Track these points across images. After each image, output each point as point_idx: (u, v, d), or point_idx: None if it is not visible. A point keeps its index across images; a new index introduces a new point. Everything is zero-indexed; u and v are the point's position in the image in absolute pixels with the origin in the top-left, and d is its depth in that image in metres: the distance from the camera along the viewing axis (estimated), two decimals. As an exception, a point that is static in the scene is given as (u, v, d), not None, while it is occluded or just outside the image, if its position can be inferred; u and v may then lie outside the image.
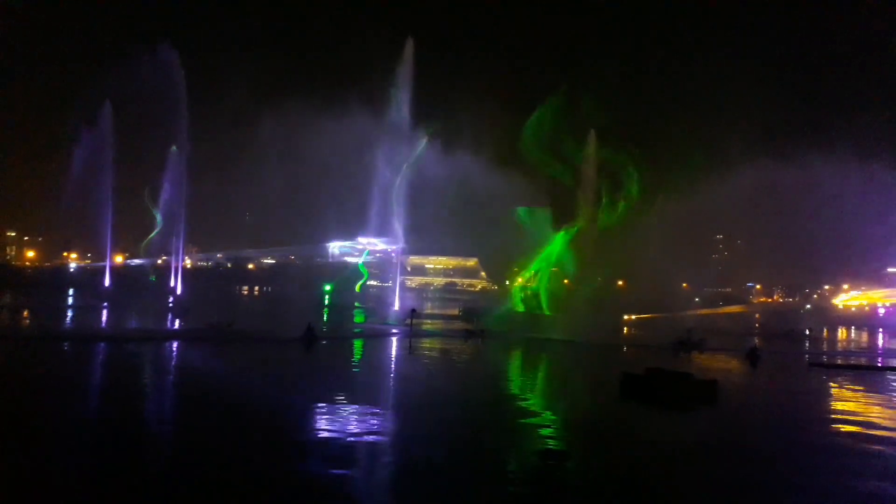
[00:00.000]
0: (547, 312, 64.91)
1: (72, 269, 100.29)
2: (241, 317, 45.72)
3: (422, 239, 76.80)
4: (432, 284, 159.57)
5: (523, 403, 25.04)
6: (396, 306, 62.18)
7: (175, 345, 38.12)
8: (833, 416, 25.15)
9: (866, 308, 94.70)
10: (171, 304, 58.76)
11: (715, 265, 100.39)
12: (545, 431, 19.95)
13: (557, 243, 66.59)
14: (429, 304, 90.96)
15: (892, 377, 36.92)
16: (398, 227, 62.46)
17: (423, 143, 61.68)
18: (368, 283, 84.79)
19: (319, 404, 21.55)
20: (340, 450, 16.40)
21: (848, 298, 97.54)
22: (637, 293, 71.98)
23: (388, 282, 79.61)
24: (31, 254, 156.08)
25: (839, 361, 45.61)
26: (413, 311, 53.13)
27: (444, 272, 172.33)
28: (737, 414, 24.24)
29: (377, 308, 65.15)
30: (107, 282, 71.80)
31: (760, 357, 40.26)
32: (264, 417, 19.72)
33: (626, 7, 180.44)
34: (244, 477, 14.12)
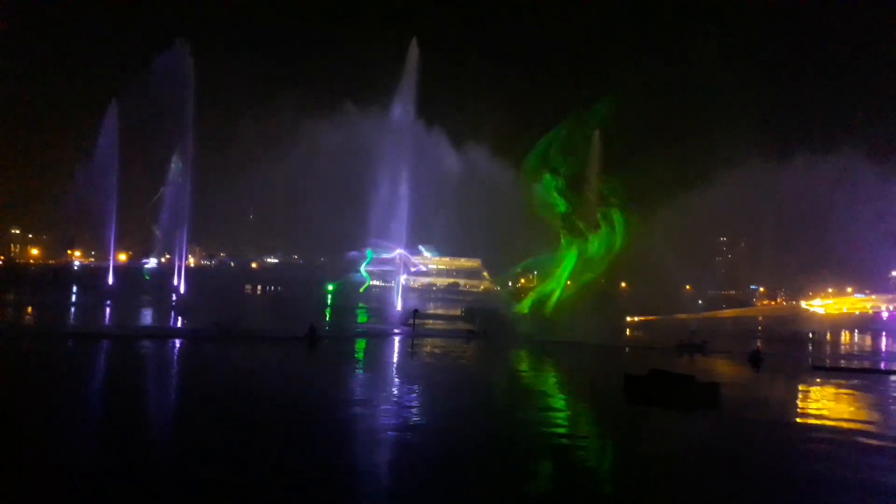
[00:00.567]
0: (549, 314, 64.95)
1: (75, 267, 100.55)
2: (244, 316, 45.76)
3: (426, 240, 76.83)
4: (435, 285, 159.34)
5: (525, 404, 25.04)
6: (399, 307, 62.18)
7: (178, 343, 38.23)
8: (833, 421, 25.08)
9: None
10: (174, 303, 58.85)
11: (718, 267, 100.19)
12: (548, 431, 19.97)
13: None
14: (431, 305, 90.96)
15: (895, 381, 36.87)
16: (402, 228, 62.41)
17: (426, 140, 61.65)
18: (372, 283, 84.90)
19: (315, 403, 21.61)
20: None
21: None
22: (640, 295, 71.95)
23: (391, 282, 79.59)
24: (35, 251, 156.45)
25: (842, 364, 45.54)
26: (415, 311, 53.12)
27: (448, 273, 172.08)
28: (738, 417, 24.19)
29: (380, 308, 65.14)
30: (110, 280, 71.95)
31: (763, 360, 40.19)
32: (267, 413, 19.81)
33: (629, 10, 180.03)
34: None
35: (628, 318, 65.63)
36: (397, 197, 61.25)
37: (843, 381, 35.11)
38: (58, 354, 31.41)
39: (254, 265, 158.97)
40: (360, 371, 32.99)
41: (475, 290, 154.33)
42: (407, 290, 73.19)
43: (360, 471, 15.32)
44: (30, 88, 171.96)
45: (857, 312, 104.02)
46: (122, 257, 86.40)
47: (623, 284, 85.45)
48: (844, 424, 23.72)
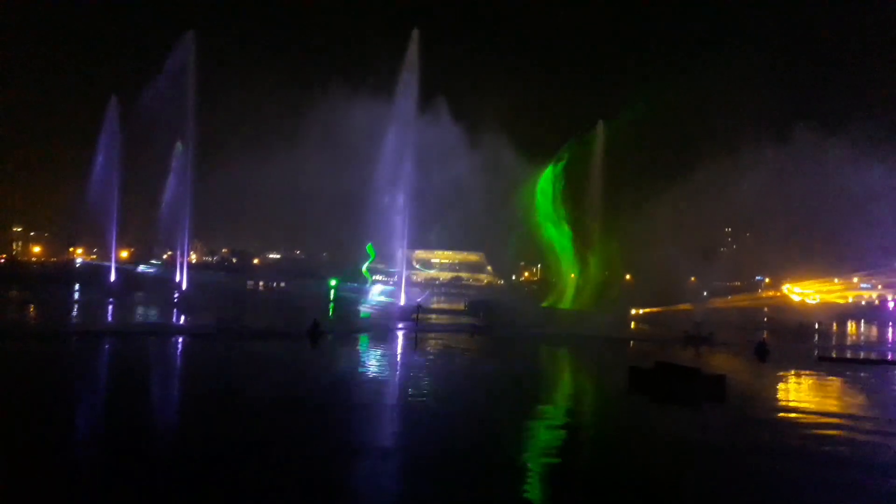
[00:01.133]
0: (548, 305, 65.00)
1: (77, 265, 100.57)
2: (246, 312, 45.75)
3: (427, 233, 76.45)
4: (438, 279, 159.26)
5: (530, 397, 24.80)
6: (402, 301, 61.94)
7: (180, 340, 38.13)
8: (841, 412, 24.82)
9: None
10: (175, 300, 58.71)
11: (723, 258, 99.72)
12: (552, 424, 19.75)
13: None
14: (435, 299, 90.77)
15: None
16: (403, 220, 62.03)
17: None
18: (374, 278, 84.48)
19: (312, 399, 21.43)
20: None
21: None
22: (644, 287, 71.65)
23: (393, 277, 79.26)
24: (37, 249, 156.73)
25: (848, 355, 45.24)
26: (419, 305, 52.97)
27: (450, 266, 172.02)
28: (744, 409, 23.92)
29: (383, 302, 64.93)
30: (112, 277, 71.89)
31: (769, 351, 39.92)
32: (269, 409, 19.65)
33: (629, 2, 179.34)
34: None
35: (633, 311, 65.32)
36: (399, 191, 60.94)
37: (850, 373, 34.88)
38: (60, 353, 31.31)
39: (256, 261, 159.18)
40: (361, 367, 32.70)
41: (478, 283, 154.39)
42: (410, 284, 72.83)
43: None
44: (31, 86, 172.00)
45: (849, 300, 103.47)
46: (124, 254, 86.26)
47: (627, 277, 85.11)
48: (849, 418, 23.45)
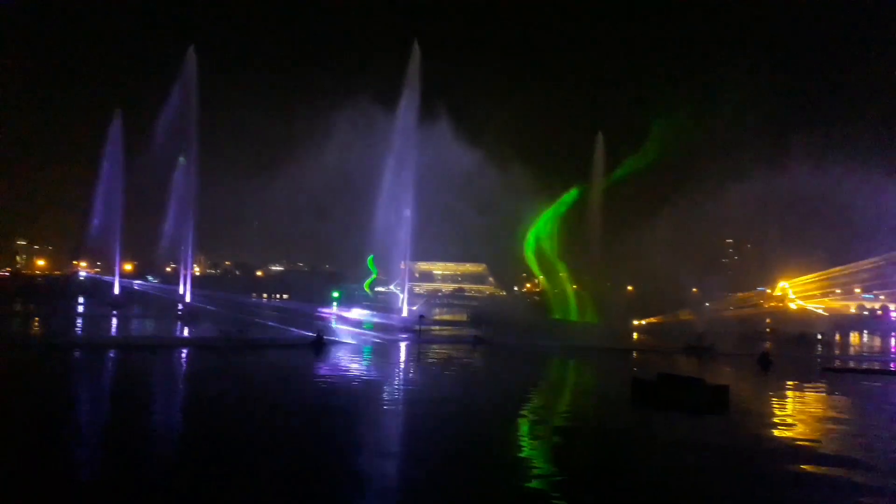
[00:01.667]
0: (557, 317, 65.10)
1: (81, 278, 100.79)
2: (250, 324, 45.91)
3: (430, 244, 76.64)
4: (441, 290, 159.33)
5: (533, 409, 24.88)
6: (405, 313, 62.05)
7: (185, 352, 38.24)
8: (845, 425, 24.85)
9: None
10: (179, 312, 58.84)
11: (725, 270, 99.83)
12: (555, 438, 19.82)
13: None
14: (437, 310, 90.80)
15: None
16: (406, 232, 62.25)
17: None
18: (377, 288, 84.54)
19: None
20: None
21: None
22: (646, 298, 71.85)
23: (395, 288, 79.39)
24: (41, 262, 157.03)
25: (852, 366, 45.21)
26: (421, 317, 53.11)
27: (453, 278, 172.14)
28: (747, 420, 23.95)
29: (385, 314, 65.05)
30: (116, 290, 72.09)
31: (772, 362, 39.92)
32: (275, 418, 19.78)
33: (629, 9, 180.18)
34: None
35: (635, 322, 65.39)
36: (401, 203, 61.25)
37: (853, 383, 34.88)
38: (65, 366, 31.43)
39: (259, 273, 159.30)
40: (364, 377, 32.78)
41: (481, 294, 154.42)
42: (412, 295, 72.98)
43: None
44: (35, 99, 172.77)
45: (852, 310, 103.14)
46: (128, 267, 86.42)
47: (629, 288, 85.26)
48: (854, 427, 23.50)
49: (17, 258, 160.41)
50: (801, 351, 53.24)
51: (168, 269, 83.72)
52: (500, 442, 18.95)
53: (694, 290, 72.89)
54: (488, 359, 41.02)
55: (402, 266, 67.15)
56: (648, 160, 70.85)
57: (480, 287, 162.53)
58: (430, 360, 39.23)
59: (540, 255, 73.78)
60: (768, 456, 18.37)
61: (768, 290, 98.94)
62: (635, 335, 60.47)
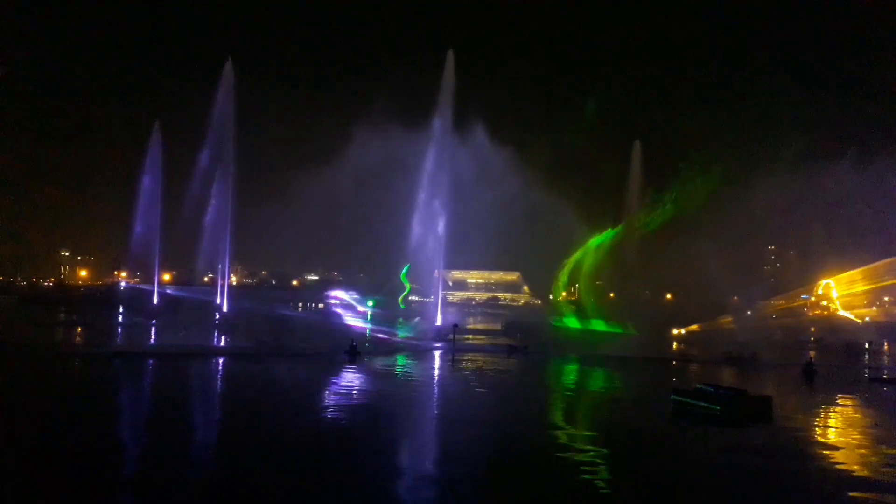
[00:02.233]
0: (595, 326, 64.33)
1: (122, 288, 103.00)
2: (285, 333, 46.31)
3: (463, 253, 76.44)
4: (474, 299, 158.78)
5: (569, 421, 24.43)
6: (439, 321, 61.83)
7: (222, 361, 38.64)
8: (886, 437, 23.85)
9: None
10: (217, 322, 59.58)
11: (767, 277, 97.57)
12: (590, 452, 19.38)
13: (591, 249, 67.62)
14: (471, 319, 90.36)
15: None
16: (440, 241, 62.14)
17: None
18: (411, 298, 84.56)
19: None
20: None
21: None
22: (686, 306, 70.60)
23: (429, 297, 79.33)
24: (83, 273, 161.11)
25: (902, 376, 43.50)
26: (455, 325, 52.86)
27: (486, 287, 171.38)
28: (792, 432, 23.13)
29: (420, 323, 65.00)
30: (155, 300, 73.34)
31: (817, 372, 38.66)
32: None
33: (665, 15, 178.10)
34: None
35: (675, 330, 64.13)
36: (435, 211, 61.21)
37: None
38: (104, 373, 31.98)
39: (294, 282, 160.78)
40: (394, 388, 32.61)
41: (515, 303, 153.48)
42: (446, 304, 72.82)
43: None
44: (79, 112, 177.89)
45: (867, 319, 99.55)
46: (167, 277, 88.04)
47: (669, 296, 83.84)
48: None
49: (62, 269, 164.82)
50: (847, 361, 51.50)
51: (206, 279, 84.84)
52: (519, 459, 18.57)
53: (734, 297, 71.32)
54: (521, 368, 40.50)
55: (436, 274, 66.95)
56: (680, 208, 70.20)
57: (515, 295, 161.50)
58: (461, 370, 38.90)
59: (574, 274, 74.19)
60: (808, 474, 17.63)
61: (812, 298, 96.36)
62: (675, 345, 59.28)
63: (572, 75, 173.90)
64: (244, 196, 67.87)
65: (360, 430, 20.55)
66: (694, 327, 63.66)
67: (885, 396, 33.14)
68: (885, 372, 45.14)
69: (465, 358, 43.42)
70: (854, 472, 17.57)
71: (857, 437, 23.13)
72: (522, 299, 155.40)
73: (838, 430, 24.82)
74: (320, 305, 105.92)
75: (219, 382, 32.50)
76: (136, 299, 77.82)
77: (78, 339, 50.16)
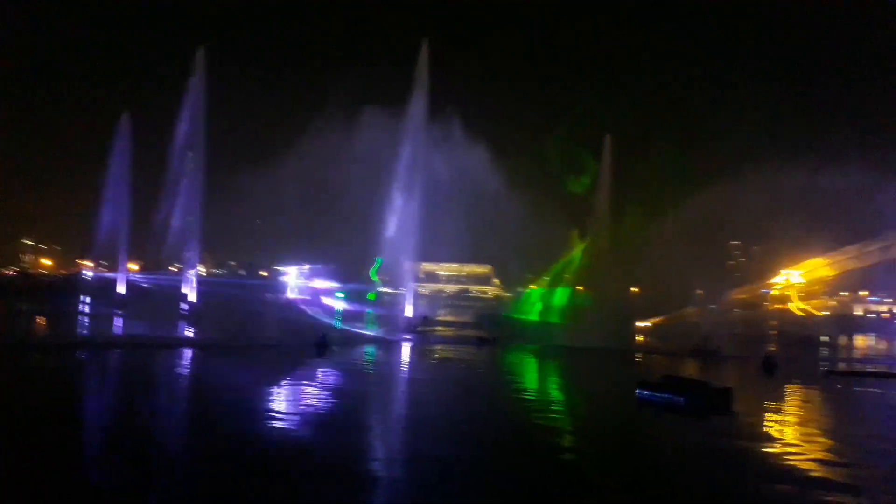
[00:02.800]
0: (557, 320, 65.05)
1: (86, 277, 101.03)
2: (254, 325, 46.08)
3: (438, 245, 76.65)
4: (444, 291, 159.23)
5: (538, 408, 24.85)
6: (409, 313, 62.05)
7: (190, 352, 38.26)
8: (848, 427, 24.77)
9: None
10: (184, 312, 58.98)
11: (732, 272, 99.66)
12: (564, 439, 19.80)
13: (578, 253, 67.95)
14: (441, 311, 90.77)
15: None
16: (412, 235, 62.21)
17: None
18: (381, 290, 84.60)
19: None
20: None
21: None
22: (650, 299, 71.80)
23: (400, 289, 79.49)
24: (47, 262, 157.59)
25: (856, 369, 44.99)
26: (425, 317, 53.20)
27: (457, 279, 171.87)
28: (751, 422, 23.92)
29: (389, 315, 65.10)
30: (121, 290, 72.20)
31: (777, 364, 39.80)
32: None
33: (638, 12, 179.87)
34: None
35: (639, 323, 65.27)
36: (406, 204, 61.27)
37: (857, 387, 34.77)
38: (69, 365, 31.49)
39: (264, 273, 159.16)
40: (364, 377, 32.81)
41: (485, 296, 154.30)
42: (416, 296, 72.95)
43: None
44: (42, 100, 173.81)
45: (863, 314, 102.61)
46: (133, 266, 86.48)
47: (634, 289, 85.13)
48: (853, 430, 23.41)
49: (24, 257, 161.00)
50: (805, 353, 53.04)
51: (173, 268, 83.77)
52: (497, 441, 18.92)
53: (699, 291, 72.84)
54: (490, 359, 40.97)
55: (406, 266, 67.08)
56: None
57: (485, 288, 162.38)
58: (431, 361, 39.22)
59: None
60: (762, 457, 18.30)
61: (773, 292, 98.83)
62: (640, 337, 60.32)
63: (549, 68, 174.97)
64: (214, 185, 67.02)
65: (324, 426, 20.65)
66: (658, 320, 64.89)
67: (839, 389, 34.28)
68: (840, 365, 46.66)
69: (435, 349, 43.78)
70: (805, 453, 18.28)
71: (810, 422, 23.99)
72: (493, 292, 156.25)
73: (795, 418, 25.70)
74: (290, 297, 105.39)
75: (178, 376, 32.01)
76: (102, 289, 76.69)
77: (40, 329, 49.27)
